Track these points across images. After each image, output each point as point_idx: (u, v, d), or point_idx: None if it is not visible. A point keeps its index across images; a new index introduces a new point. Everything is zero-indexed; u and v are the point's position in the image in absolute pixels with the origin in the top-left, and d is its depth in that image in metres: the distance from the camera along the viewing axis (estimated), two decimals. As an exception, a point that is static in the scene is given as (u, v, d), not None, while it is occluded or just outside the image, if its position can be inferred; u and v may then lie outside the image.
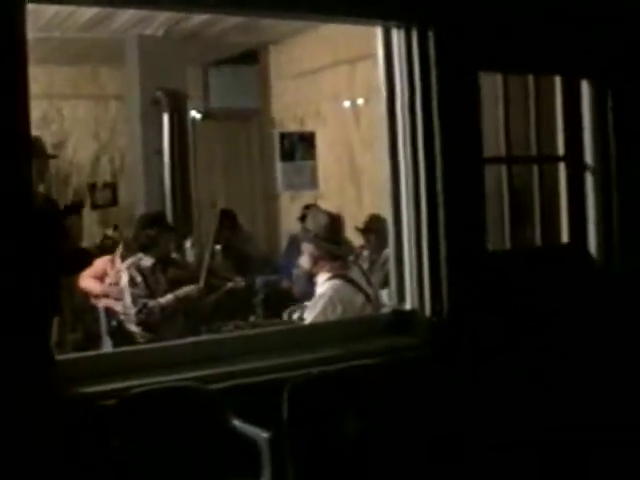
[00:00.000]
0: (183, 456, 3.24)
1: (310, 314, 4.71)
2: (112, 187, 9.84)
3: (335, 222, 4.93)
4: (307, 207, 8.31)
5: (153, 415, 3.25)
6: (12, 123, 3.12)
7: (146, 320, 5.33)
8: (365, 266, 6.74)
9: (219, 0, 3.82)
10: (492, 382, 4.23)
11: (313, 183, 7.96)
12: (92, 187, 9.68)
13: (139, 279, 5.44)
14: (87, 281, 7.14)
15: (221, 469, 3.30)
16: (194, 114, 9.51)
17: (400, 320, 4.30)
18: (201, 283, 5.54)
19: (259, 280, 8.15)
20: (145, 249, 5.55)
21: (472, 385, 4.20)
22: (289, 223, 9.12)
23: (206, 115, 9.85)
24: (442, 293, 4.23)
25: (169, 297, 5.43)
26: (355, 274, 4.94)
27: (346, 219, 8.44)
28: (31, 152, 3.21)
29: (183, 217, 8.38)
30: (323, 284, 4.76)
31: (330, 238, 4.77)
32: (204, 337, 4.67)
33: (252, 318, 5.69)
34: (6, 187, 3.11)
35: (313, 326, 4.49)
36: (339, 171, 8.66)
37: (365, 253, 7.38)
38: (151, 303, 5.38)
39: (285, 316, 5.37)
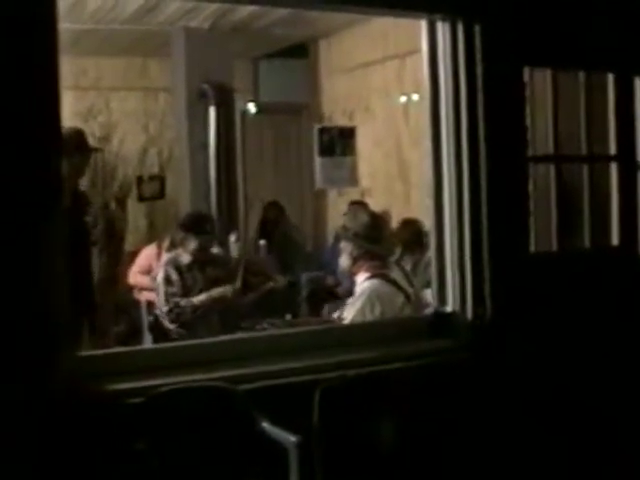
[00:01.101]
0: (208, 458, 3.18)
1: (348, 313, 4.64)
2: (160, 179, 9.86)
3: (376, 221, 4.87)
4: (353, 203, 8.28)
5: (179, 415, 3.19)
6: (41, 115, 3.07)
7: (177, 319, 5.29)
8: (409, 266, 6.67)
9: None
10: (536, 387, 4.11)
11: (352, 179, 7.89)
12: (139, 179, 9.70)
13: (175, 277, 5.40)
14: (137, 277, 7.15)
15: (248, 473, 3.23)
16: (249, 107, 9.52)
17: (441, 323, 4.20)
18: (237, 284, 5.47)
19: (304, 276, 8.12)
20: (183, 247, 5.52)
21: (515, 390, 4.09)
22: (336, 219, 9.07)
23: (257, 109, 9.83)
24: (485, 295, 4.13)
25: (203, 297, 5.38)
26: (396, 274, 4.87)
27: (393, 216, 8.47)
28: (61, 146, 3.15)
29: (228, 211, 8.37)
30: (362, 283, 4.69)
31: (370, 237, 4.70)
32: (236, 336, 4.61)
33: (288, 316, 5.63)
34: (35, 181, 3.07)
35: (350, 327, 4.42)
36: (387, 167, 8.58)
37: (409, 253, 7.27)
38: (183, 302, 5.34)
39: (325, 311, 5.31)
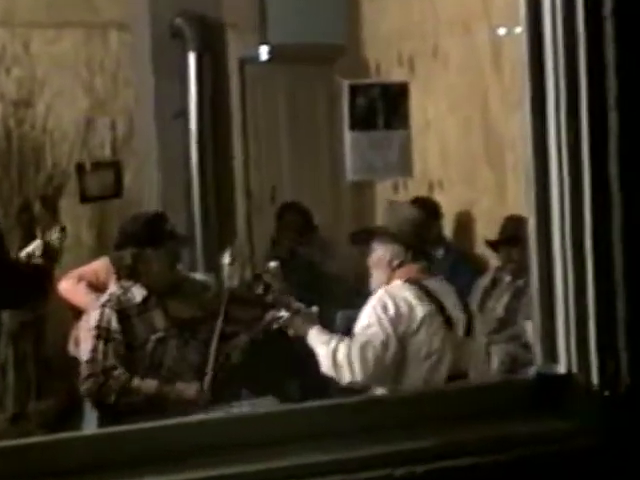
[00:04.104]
0: None
1: (360, 323, 5.62)
2: (114, 167, 9.95)
3: (427, 220, 5.19)
4: (415, 202, 8.27)
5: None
6: None
7: (96, 395, 5.33)
8: (506, 297, 6.78)
9: None
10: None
11: (404, 166, 7.90)
12: (80, 167, 9.78)
13: (114, 324, 5.44)
14: (75, 287, 7.15)
15: None
16: (256, 53, 9.58)
17: (549, 390, 4.17)
18: (206, 382, 5.52)
19: (340, 316, 8.17)
20: (133, 275, 5.56)
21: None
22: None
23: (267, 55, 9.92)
24: (619, 348, 4.07)
25: (150, 384, 5.42)
26: (438, 286, 5.51)
27: (478, 221, 8.44)
28: None
29: (219, 217, 8.43)
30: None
31: (421, 236, 4.96)
32: (226, 414, 4.65)
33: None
34: None
35: (409, 398, 4.39)
36: (468, 145, 8.60)
37: (507, 279, 7.36)
38: (116, 373, 5.37)
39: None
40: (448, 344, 5.36)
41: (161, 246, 5.66)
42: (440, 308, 5.25)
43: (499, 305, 7.27)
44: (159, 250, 5.64)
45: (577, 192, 4.08)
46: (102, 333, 5.34)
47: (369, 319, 5.60)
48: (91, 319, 5.50)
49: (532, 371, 4.24)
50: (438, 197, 8.46)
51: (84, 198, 9.65)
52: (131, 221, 5.96)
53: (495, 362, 6.96)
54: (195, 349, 5.89)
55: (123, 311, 5.42)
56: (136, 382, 5.30)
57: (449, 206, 8.09)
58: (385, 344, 5.56)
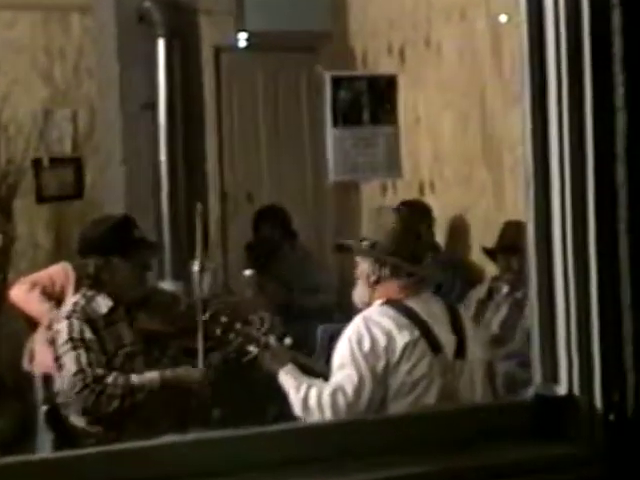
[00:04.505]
0: None
1: (336, 356, 5.55)
2: (74, 164, 9.97)
3: (410, 229, 5.18)
4: (403, 205, 8.29)
5: None
6: None
7: (96, 406, 5.33)
8: (504, 310, 6.81)
9: None
10: None
11: (391, 166, 7.93)
12: (37, 164, 9.80)
13: (88, 334, 5.45)
14: (27, 294, 7.15)
15: None
16: (234, 40, 9.58)
17: (547, 414, 4.18)
18: (200, 362, 5.55)
19: (321, 330, 8.19)
20: (96, 285, 5.58)
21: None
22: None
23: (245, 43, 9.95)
24: (625, 369, 4.09)
25: (152, 376, 5.44)
26: (424, 306, 5.49)
27: (473, 226, 8.45)
28: None
29: (190, 220, 8.44)
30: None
31: (399, 250, 4.98)
32: (197, 436, 4.62)
33: (287, 340, 6.05)
34: None
35: (391, 420, 4.42)
36: (463, 144, 8.62)
37: (504, 289, 7.38)
38: (111, 379, 5.38)
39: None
40: (436, 370, 5.37)
41: (129, 254, 5.66)
42: (425, 331, 5.26)
43: (496, 318, 7.31)
44: (127, 259, 5.64)
45: (580, 196, 4.09)
46: (78, 344, 5.34)
47: (343, 356, 5.53)
48: (60, 335, 5.47)
49: (530, 392, 4.24)
50: (429, 200, 8.47)
51: (41, 198, 9.67)
52: (95, 226, 5.95)
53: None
54: (164, 367, 5.90)
55: (91, 322, 5.42)
56: (136, 380, 5.32)
57: (442, 210, 8.11)
58: (358, 390, 5.54)
